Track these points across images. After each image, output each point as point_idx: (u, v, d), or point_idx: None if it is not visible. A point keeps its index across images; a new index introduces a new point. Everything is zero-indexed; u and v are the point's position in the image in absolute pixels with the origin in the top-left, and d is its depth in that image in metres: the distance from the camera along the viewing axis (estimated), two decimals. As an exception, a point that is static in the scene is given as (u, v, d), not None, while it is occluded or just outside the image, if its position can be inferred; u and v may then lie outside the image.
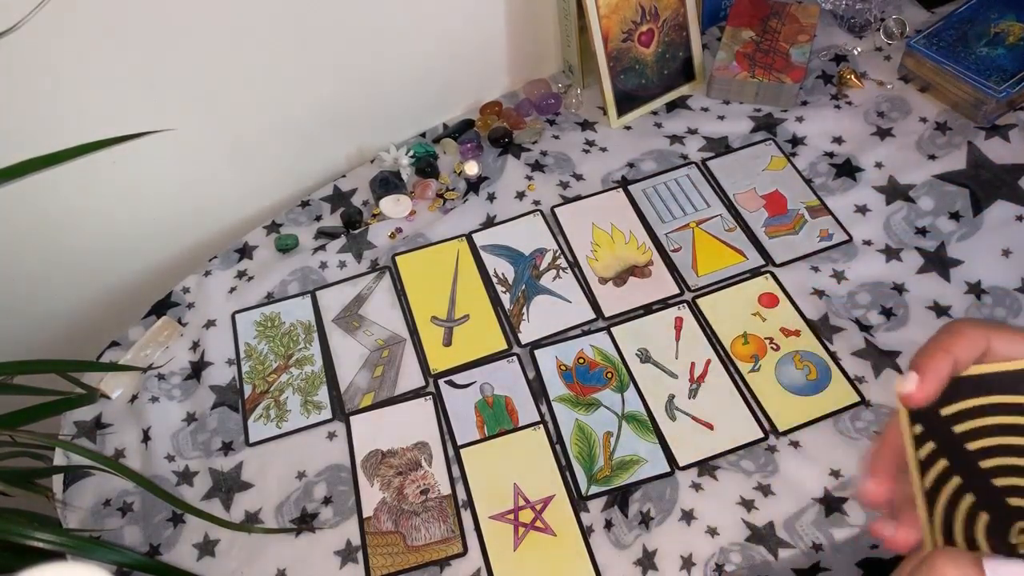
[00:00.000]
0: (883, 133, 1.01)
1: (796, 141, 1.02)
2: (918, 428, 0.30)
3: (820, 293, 0.88)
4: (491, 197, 1.01)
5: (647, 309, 0.89)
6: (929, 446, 0.30)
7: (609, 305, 0.90)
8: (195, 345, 0.91)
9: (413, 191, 1.02)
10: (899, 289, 0.88)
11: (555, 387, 0.84)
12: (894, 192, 0.95)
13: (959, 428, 0.29)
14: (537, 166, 1.03)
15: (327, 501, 0.79)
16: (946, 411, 0.30)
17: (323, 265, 0.97)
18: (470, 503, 0.78)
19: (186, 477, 0.82)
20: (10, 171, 0.74)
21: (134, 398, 0.88)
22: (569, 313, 0.90)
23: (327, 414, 0.85)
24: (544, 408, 0.83)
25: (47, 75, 0.78)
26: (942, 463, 0.30)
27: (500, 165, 1.04)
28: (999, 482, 0.28)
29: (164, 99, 0.86)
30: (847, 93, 1.06)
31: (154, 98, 0.86)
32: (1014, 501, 0.28)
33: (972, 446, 0.29)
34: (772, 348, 0.85)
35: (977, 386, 0.30)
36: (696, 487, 0.77)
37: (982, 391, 0.30)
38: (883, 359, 0.82)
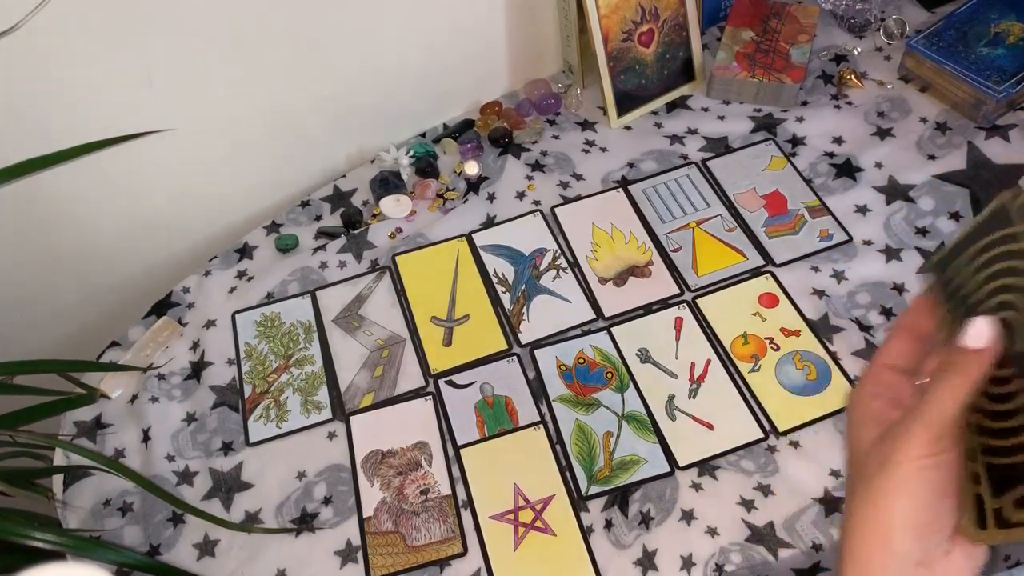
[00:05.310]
0: (883, 133, 1.01)
1: (796, 141, 1.02)
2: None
3: (820, 293, 0.88)
4: (491, 197, 1.01)
5: (647, 309, 0.89)
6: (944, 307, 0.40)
7: (609, 305, 0.90)
8: (195, 345, 0.91)
9: (413, 191, 1.02)
10: (899, 289, 0.88)
11: (555, 387, 0.84)
12: (894, 192, 0.95)
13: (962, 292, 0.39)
14: (537, 166, 1.03)
15: (327, 501, 0.79)
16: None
17: (323, 265, 0.97)
18: (470, 503, 0.78)
19: (186, 477, 0.82)
20: (10, 171, 0.74)
21: (134, 398, 0.88)
22: (569, 313, 0.90)
23: (327, 414, 0.85)
24: (544, 408, 0.83)
25: (47, 75, 0.78)
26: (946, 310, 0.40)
27: (500, 165, 1.04)
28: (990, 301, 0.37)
29: (164, 99, 0.86)
30: (847, 93, 1.06)
31: (154, 98, 0.86)
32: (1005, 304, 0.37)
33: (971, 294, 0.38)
34: (772, 348, 0.85)
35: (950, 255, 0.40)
36: (696, 487, 0.77)
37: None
38: (883, 359, 0.82)
